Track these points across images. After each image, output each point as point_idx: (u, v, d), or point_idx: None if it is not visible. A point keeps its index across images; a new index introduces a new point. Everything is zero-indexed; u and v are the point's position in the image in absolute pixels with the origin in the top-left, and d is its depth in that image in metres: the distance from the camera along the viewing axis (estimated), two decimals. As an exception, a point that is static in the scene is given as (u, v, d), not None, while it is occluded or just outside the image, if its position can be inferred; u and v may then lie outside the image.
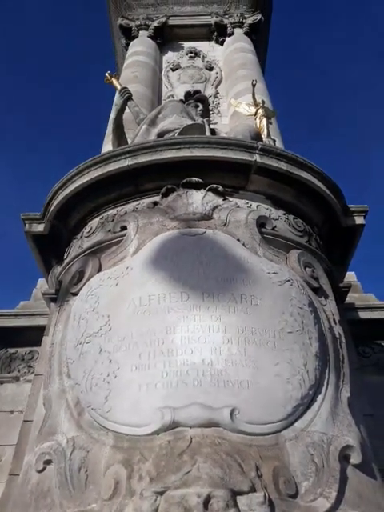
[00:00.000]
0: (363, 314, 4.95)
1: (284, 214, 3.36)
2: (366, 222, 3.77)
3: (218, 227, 3.02)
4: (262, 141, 4.06)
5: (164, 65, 9.08)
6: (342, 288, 3.62)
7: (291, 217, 3.38)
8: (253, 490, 1.95)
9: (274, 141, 5.28)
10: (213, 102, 7.92)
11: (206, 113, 5.09)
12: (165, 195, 3.24)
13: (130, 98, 5.14)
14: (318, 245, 3.50)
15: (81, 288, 2.98)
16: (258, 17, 9.45)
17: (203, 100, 5.24)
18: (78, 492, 2.12)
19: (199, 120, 4.42)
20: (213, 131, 4.46)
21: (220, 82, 8.58)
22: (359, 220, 3.73)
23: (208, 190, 3.21)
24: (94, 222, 3.48)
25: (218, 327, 2.45)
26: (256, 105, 5.60)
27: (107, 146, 6.12)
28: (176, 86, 8.45)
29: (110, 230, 3.25)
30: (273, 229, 3.16)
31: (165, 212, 3.14)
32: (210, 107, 7.13)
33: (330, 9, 25.85)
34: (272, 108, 6.63)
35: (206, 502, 1.86)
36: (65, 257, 3.67)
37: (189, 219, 3.06)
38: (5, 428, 4.44)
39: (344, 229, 3.73)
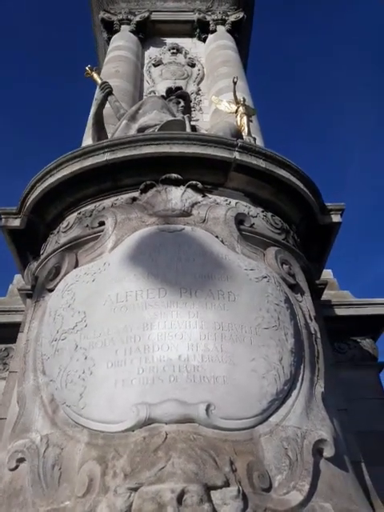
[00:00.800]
0: (339, 311, 5.05)
1: (262, 212, 3.38)
2: (342, 219, 3.83)
3: (196, 224, 3.02)
4: (242, 138, 4.08)
5: (146, 60, 9.02)
6: (319, 285, 3.68)
7: (269, 214, 3.41)
8: (226, 484, 1.96)
9: (255, 139, 5.31)
10: (195, 99, 7.93)
11: (187, 109, 5.09)
12: (144, 191, 3.23)
13: (110, 93, 5.10)
14: (296, 242, 3.55)
15: (57, 284, 2.94)
16: (241, 15, 9.48)
17: (185, 96, 5.23)
18: (52, 490, 2.10)
19: (180, 116, 4.41)
20: (194, 128, 4.46)
21: (202, 78, 8.58)
22: (336, 218, 3.79)
23: (187, 187, 3.21)
24: (72, 217, 3.43)
25: (195, 323, 2.46)
26: (237, 102, 5.62)
27: (87, 141, 6.05)
28: (158, 82, 8.40)
29: (87, 226, 3.21)
30: (251, 226, 3.18)
31: (144, 208, 3.13)
32: (192, 104, 7.14)
33: (312, 9, 26.11)
34: (253, 106, 6.66)
35: (180, 497, 1.87)
36: (41, 252, 3.61)
37: (168, 215, 3.05)
38: (-21, 426, 4.35)
39: (321, 226, 3.78)
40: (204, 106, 7.94)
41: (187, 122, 4.27)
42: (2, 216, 3.77)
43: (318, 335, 2.95)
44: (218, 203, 3.22)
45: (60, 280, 2.93)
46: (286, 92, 27.88)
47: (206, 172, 3.30)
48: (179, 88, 5.94)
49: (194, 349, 2.36)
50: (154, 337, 2.40)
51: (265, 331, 2.57)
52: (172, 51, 9.12)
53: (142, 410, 2.16)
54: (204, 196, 3.23)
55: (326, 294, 4.69)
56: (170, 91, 5.39)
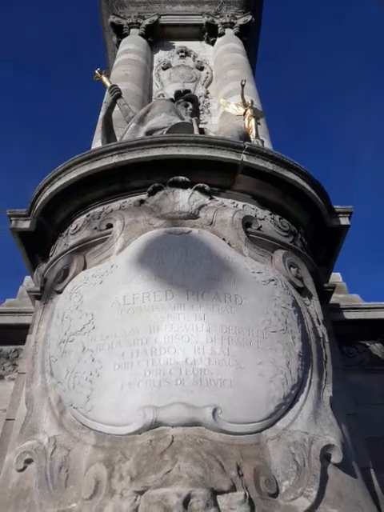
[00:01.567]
0: (348, 315, 4.99)
1: (270, 214, 3.37)
2: (351, 222, 3.80)
3: (204, 226, 3.02)
4: (250, 141, 4.08)
5: (155, 63, 9.06)
6: (327, 288, 3.64)
7: (277, 217, 3.40)
8: (233, 489, 1.94)
9: (263, 141, 5.30)
10: (203, 102, 7.94)
11: (195, 112, 5.09)
12: (151, 193, 3.24)
13: (119, 96, 5.13)
14: (303, 245, 3.52)
15: (65, 286, 2.95)
16: (249, 18, 9.48)
17: (193, 99, 5.24)
18: (59, 491, 2.10)
19: (188, 119, 4.42)
20: (201, 131, 4.47)
21: (210, 81, 8.59)
22: (344, 221, 3.76)
23: (194, 189, 3.21)
24: (80, 220, 3.45)
25: (201, 326, 2.45)
26: (245, 105, 5.62)
27: (96, 144, 6.09)
28: (166, 85, 8.43)
29: (95, 228, 3.23)
30: (258, 229, 3.17)
31: (151, 210, 3.14)
32: (201, 107, 7.14)
33: (320, 11, 26.03)
34: (261, 108, 6.66)
35: (186, 501, 1.85)
36: (50, 254, 3.64)
37: (175, 218, 3.05)
38: (-11, 427, 4.39)
39: (329, 229, 3.76)
40: (212, 108, 7.95)
41: (195, 125, 4.28)
42: (12, 218, 3.80)
43: (326, 339, 2.92)
44: (225, 206, 3.22)
45: (68, 282, 2.95)
46: (295, 94, 27.83)
47: (214, 175, 3.30)
48: (188, 91, 5.95)
49: (201, 352, 2.35)
50: (161, 339, 2.40)
51: (272, 335, 2.55)
52: (181, 54, 9.15)
53: (149, 413, 2.15)
54: (211, 198, 3.23)
55: (335, 298, 4.65)
56: (178, 94, 5.41)
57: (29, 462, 2.29)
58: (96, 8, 10.30)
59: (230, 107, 5.87)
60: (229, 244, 2.93)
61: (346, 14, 25.11)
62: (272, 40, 24.04)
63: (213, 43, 9.32)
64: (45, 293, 3.27)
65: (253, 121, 5.23)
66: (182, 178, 3.21)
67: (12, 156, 25.04)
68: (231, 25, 9.38)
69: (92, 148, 5.73)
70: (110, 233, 3.08)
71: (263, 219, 3.28)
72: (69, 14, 24.58)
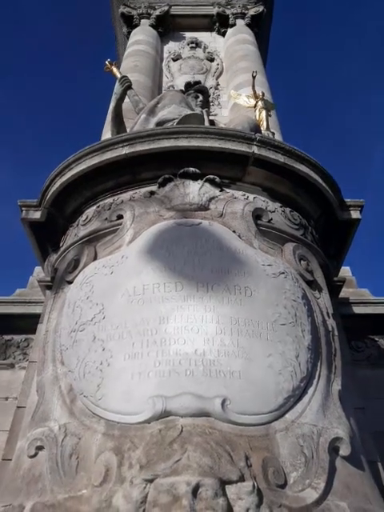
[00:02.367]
0: (357, 309, 4.97)
1: (280, 207, 3.35)
2: (362, 216, 3.77)
3: (214, 218, 3.01)
4: (260, 133, 4.04)
5: (165, 55, 9.00)
6: (337, 282, 3.63)
7: (288, 209, 3.38)
8: (242, 479, 1.96)
9: (273, 133, 5.26)
10: (213, 94, 7.88)
11: (205, 104, 5.06)
12: (162, 185, 3.23)
13: (129, 87, 5.11)
14: (314, 238, 3.50)
15: (76, 276, 2.97)
16: (261, 8, 9.37)
17: (203, 91, 5.21)
18: (69, 478, 2.13)
19: (198, 111, 4.39)
20: (212, 122, 4.44)
21: (221, 73, 8.52)
22: (355, 214, 3.73)
23: (205, 181, 3.20)
24: (91, 211, 3.46)
25: (211, 318, 2.45)
26: (256, 97, 5.56)
27: (107, 135, 6.09)
28: (177, 77, 8.38)
29: (106, 219, 3.24)
30: (269, 221, 3.16)
31: (161, 202, 3.13)
32: (211, 99, 7.09)
33: (332, 4, 25.57)
34: (272, 101, 6.59)
35: (195, 490, 1.87)
36: (61, 245, 3.66)
37: (185, 210, 3.05)
38: (0, 414, 4.46)
39: (340, 223, 3.73)
40: (223, 100, 7.89)
41: (205, 117, 4.25)
42: (23, 208, 3.82)
43: (336, 332, 2.92)
44: (235, 198, 3.21)
45: (79, 272, 2.97)
46: (307, 87, 27.47)
47: (224, 166, 3.28)
48: (198, 82, 5.93)
49: (211, 343, 2.36)
50: (171, 330, 2.41)
51: (282, 327, 2.55)
52: (191, 45, 9.08)
53: (158, 402, 2.17)
54: (222, 190, 3.21)
55: (344, 292, 4.62)
56: (188, 85, 5.38)
57: (40, 448, 2.33)
58: (106, -2, 10.24)
59: (240, 99, 5.82)
60: (239, 236, 2.92)
61: (360, 2, 24.66)
62: (284, 31, 23.70)
63: (224, 34, 9.23)
64: (55, 283, 3.30)
65: (264, 113, 5.18)
66: (192, 169, 3.20)
67: (24, 149, 25.14)
68: (242, 15, 9.27)
69: (102, 139, 5.74)
70: (120, 224, 3.09)
71: (274, 212, 3.26)
72: (79, 5, 24.46)
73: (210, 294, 2.55)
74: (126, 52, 8.95)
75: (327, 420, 2.37)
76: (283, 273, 2.80)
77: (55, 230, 3.80)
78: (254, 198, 3.28)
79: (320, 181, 3.49)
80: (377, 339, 5.07)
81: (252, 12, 9.36)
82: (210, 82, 8.12)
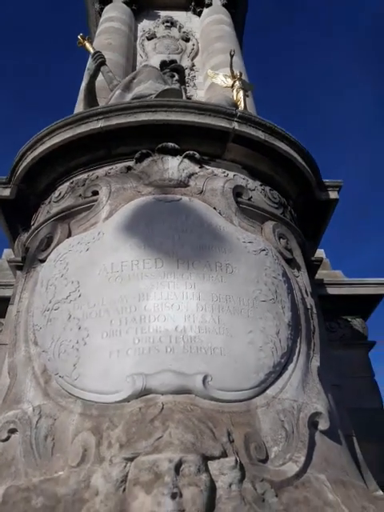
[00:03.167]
0: (331, 290, 5.05)
1: (260, 185, 3.31)
2: (339, 197, 3.79)
3: (194, 195, 2.94)
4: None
5: (139, 33, 8.73)
6: (314, 262, 3.65)
7: (267, 188, 3.34)
8: (224, 455, 1.94)
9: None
10: (188, 75, 7.72)
11: (181, 83, 4.94)
12: (139, 160, 3.12)
13: (103, 63, 4.93)
14: (293, 217, 3.50)
15: (49, 254, 2.85)
16: (238, -12, 9.20)
17: (179, 70, 5.09)
18: (45, 460, 2.06)
19: (176, 86, 4.27)
20: (189, 99, 4.33)
21: (196, 54, 8.34)
22: (333, 194, 3.75)
23: (184, 157, 3.12)
24: (64, 187, 3.32)
25: (192, 294, 2.40)
26: (233, 77, 5.46)
27: (78, 113, 5.85)
28: (151, 56, 8.14)
29: (80, 195, 3.11)
30: (249, 199, 3.12)
31: (139, 177, 3.03)
32: (186, 79, 6.94)
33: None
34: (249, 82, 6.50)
35: (178, 466, 1.84)
36: (32, 223, 3.50)
37: (164, 185, 2.96)
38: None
39: (318, 203, 3.74)
40: (198, 81, 7.74)
41: (183, 93, 4.14)
42: (-9, 186, 3.63)
43: (314, 310, 2.93)
44: (215, 175, 3.14)
45: (52, 250, 2.84)
46: (283, 75, 27.51)
47: (204, 142, 3.21)
48: (174, 61, 5.78)
49: (191, 320, 2.32)
50: (150, 307, 2.34)
51: (262, 304, 2.53)
52: (166, 24, 8.83)
53: (138, 380, 2.11)
54: (201, 167, 3.14)
55: (319, 274, 4.66)
56: (164, 64, 5.25)
57: (13, 431, 2.23)
58: (77, -28, 9.80)
59: (217, 78, 5.70)
60: (219, 213, 2.87)
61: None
62: (259, 17, 23.45)
63: (199, 14, 9.02)
64: (27, 262, 3.16)
65: (241, 93, 5.09)
66: (171, 144, 3.10)
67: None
68: (219, -6, 9.08)
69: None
70: (95, 200, 2.97)
71: (254, 190, 3.22)
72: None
73: (190, 270, 2.49)
74: (98, 29, 8.62)
75: (307, 395, 2.38)
76: (264, 250, 2.77)
77: (26, 208, 3.63)
78: (234, 175, 3.23)
79: (299, 159, 3.47)
80: (350, 320, 5.18)
81: (228, -9, 9.18)
82: (185, 63, 7.92)
